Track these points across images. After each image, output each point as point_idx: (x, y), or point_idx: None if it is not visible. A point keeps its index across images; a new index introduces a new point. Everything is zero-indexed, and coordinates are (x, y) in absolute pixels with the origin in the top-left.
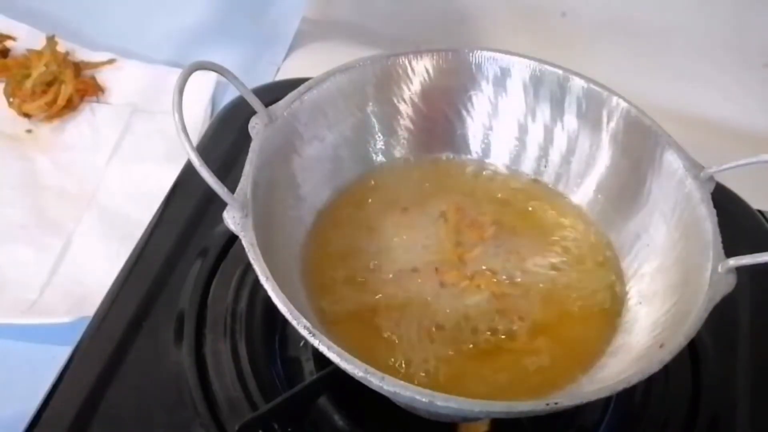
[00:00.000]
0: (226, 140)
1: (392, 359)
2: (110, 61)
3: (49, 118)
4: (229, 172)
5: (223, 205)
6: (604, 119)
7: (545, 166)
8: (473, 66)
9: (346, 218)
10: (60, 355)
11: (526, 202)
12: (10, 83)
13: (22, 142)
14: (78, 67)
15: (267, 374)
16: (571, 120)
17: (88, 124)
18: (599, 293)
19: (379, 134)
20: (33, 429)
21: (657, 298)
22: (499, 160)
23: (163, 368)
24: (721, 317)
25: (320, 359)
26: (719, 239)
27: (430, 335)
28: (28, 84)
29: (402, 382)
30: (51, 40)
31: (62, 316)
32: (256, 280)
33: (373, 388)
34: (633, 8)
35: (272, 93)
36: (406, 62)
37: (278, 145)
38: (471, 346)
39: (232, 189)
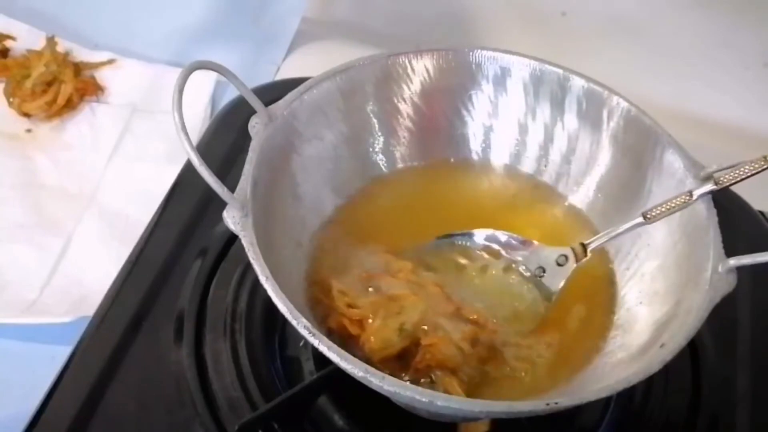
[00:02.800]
0: (226, 140)
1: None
2: (110, 61)
3: (49, 117)
4: (229, 172)
5: (223, 204)
6: (605, 119)
7: (545, 166)
8: (473, 65)
9: (345, 217)
10: (60, 355)
11: (526, 201)
12: (10, 83)
13: (21, 141)
14: (78, 67)
15: (267, 374)
16: (571, 119)
17: (88, 124)
18: (599, 293)
19: (379, 134)
20: (33, 429)
21: (657, 298)
22: (499, 159)
23: (163, 368)
24: (721, 317)
25: (320, 359)
26: (719, 239)
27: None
28: (28, 84)
29: (402, 382)
30: (51, 40)
31: (62, 316)
32: (256, 280)
33: (373, 388)
34: (633, 8)
35: (272, 93)
36: (406, 62)
37: (278, 145)
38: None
39: (231, 188)
